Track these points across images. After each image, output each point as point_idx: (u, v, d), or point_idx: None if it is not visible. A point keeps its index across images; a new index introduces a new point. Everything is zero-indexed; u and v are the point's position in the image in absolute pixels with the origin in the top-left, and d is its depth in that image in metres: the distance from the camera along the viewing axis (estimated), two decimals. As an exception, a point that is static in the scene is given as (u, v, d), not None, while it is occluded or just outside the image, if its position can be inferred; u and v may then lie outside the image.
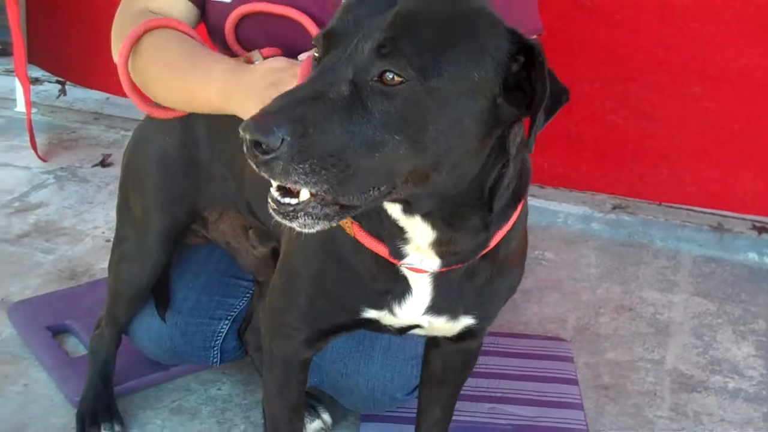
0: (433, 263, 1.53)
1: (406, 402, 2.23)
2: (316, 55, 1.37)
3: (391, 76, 1.26)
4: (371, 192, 1.30)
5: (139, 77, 1.92)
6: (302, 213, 1.29)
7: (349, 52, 1.29)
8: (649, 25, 3.09)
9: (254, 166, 1.23)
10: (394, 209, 1.47)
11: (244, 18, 2.00)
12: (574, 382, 2.57)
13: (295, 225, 1.31)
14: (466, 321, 1.71)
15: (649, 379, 2.65)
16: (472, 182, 1.41)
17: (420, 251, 1.52)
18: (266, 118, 1.21)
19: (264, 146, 1.20)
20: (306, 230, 1.32)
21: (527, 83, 1.33)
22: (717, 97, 3.15)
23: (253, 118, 1.21)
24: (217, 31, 2.04)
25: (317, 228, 1.31)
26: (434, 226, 1.47)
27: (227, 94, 1.76)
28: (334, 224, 1.32)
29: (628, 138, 3.31)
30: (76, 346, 2.63)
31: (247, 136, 1.20)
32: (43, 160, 3.78)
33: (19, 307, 2.74)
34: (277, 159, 1.20)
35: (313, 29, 1.92)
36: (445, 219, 1.46)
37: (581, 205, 3.60)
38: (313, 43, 1.39)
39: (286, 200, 1.30)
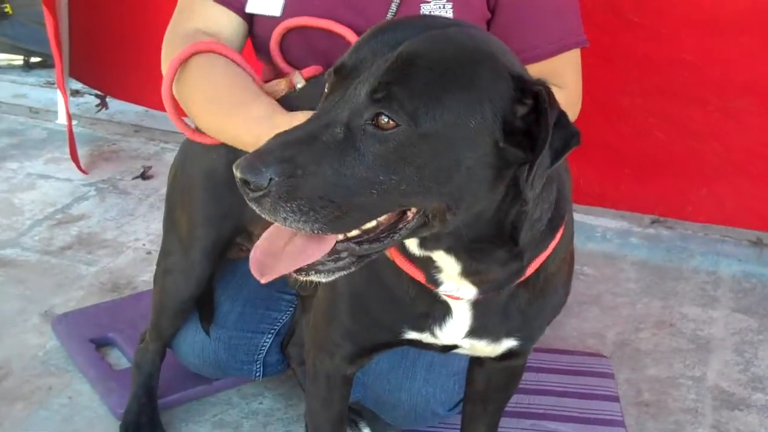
0: (469, 291, 1.54)
1: (448, 417, 2.23)
2: (326, 90, 1.39)
3: (385, 120, 1.27)
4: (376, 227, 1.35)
5: (182, 102, 1.96)
6: (313, 272, 1.36)
7: (348, 94, 1.31)
8: (695, 39, 3.03)
9: (248, 201, 1.28)
10: (411, 243, 1.48)
11: (289, 32, 2.02)
12: (615, 398, 2.56)
13: (312, 278, 1.37)
14: (508, 343, 1.71)
15: (690, 396, 2.63)
16: (488, 221, 1.41)
17: (453, 280, 1.52)
18: (257, 158, 1.25)
19: (251, 185, 1.24)
20: (323, 280, 1.38)
21: (536, 126, 1.32)
22: (762, 113, 3.09)
23: (246, 158, 1.26)
24: (264, 45, 2.07)
25: (335, 276, 1.37)
26: (458, 259, 1.48)
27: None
28: (353, 270, 1.38)
29: (670, 154, 3.25)
30: (119, 359, 2.66)
31: (238, 174, 1.25)
32: (84, 172, 3.81)
33: (63, 319, 2.77)
34: (265, 197, 1.25)
35: (356, 42, 1.94)
36: (467, 253, 1.47)
37: (620, 220, 3.58)
38: (325, 77, 1.41)
39: None
